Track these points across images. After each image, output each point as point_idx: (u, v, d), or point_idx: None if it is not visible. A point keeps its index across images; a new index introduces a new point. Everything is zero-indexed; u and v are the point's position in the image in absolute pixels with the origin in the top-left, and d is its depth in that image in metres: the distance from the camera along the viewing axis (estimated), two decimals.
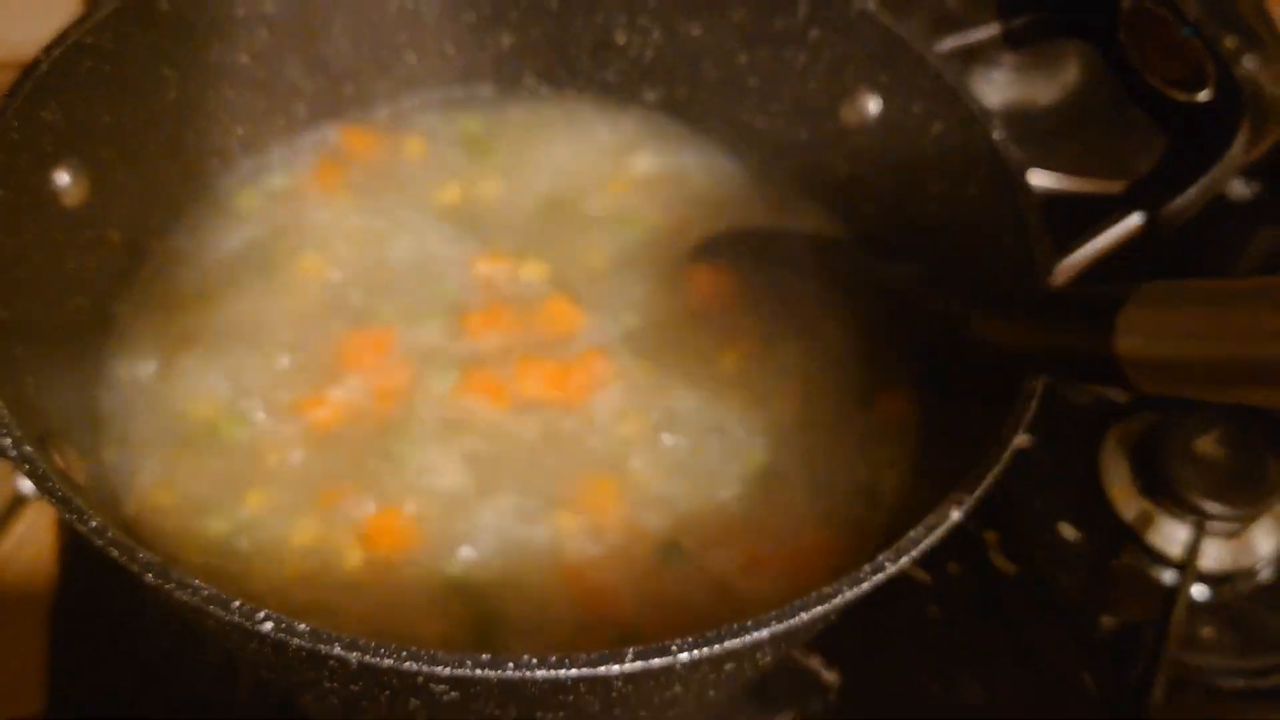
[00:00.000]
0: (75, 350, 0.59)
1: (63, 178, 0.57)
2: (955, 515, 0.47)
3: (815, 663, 0.67)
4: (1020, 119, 0.82)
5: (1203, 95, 0.56)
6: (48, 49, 0.56)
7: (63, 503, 0.41)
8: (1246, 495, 0.75)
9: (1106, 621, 0.73)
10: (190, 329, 0.64)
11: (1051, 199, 0.59)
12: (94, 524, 0.40)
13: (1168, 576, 0.75)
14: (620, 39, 0.73)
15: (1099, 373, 0.42)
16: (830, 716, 0.69)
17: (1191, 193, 0.54)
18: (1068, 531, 0.77)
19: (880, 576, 0.45)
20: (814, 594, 0.43)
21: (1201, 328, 0.38)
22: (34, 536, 0.70)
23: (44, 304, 0.56)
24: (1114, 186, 0.56)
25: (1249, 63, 0.57)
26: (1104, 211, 0.56)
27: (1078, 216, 0.58)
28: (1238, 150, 0.54)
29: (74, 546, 0.69)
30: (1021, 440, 0.50)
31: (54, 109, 0.56)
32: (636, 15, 0.72)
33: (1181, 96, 0.57)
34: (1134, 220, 0.56)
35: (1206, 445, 0.77)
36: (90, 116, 0.58)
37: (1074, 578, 0.76)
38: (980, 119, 0.61)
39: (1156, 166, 0.56)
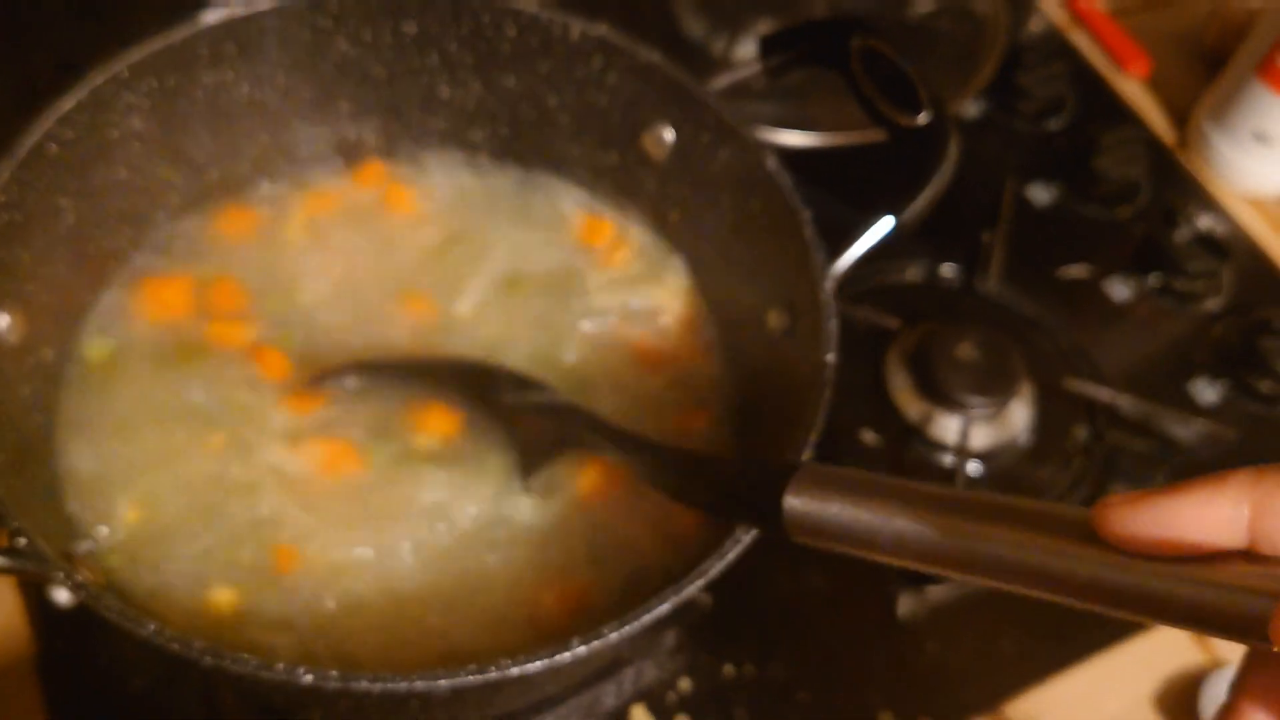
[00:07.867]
0: (43, 464, 0.65)
1: (3, 319, 0.62)
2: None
3: None
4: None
5: (921, 118, 0.66)
6: None
7: (122, 616, 0.49)
8: (999, 386, 0.89)
9: None
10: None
11: (819, 208, 0.67)
12: (152, 628, 0.49)
13: (948, 460, 0.88)
14: (445, 94, 0.79)
15: (769, 526, 0.50)
16: (707, 624, 0.79)
17: (922, 199, 0.64)
18: (868, 437, 0.89)
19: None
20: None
21: (838, 508, 0.47)
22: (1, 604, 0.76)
23: (16, 434, 0.61)
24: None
25: None
26: (860, 219, 0.65)
27: (842, 220, 0.66)
28: (951, 160, 0.68)
29: (42, 607, 0.74)
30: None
31: None
32: (456, 72, 0.78)
33: (906, 120, 0.66)
34: (886, 224, 0.64)
35: (965, 351, 0.89)
36: (12, 259, 0.62)
37: None
38: (756, 149, 0.69)
39: (896, 178, 0.65)
